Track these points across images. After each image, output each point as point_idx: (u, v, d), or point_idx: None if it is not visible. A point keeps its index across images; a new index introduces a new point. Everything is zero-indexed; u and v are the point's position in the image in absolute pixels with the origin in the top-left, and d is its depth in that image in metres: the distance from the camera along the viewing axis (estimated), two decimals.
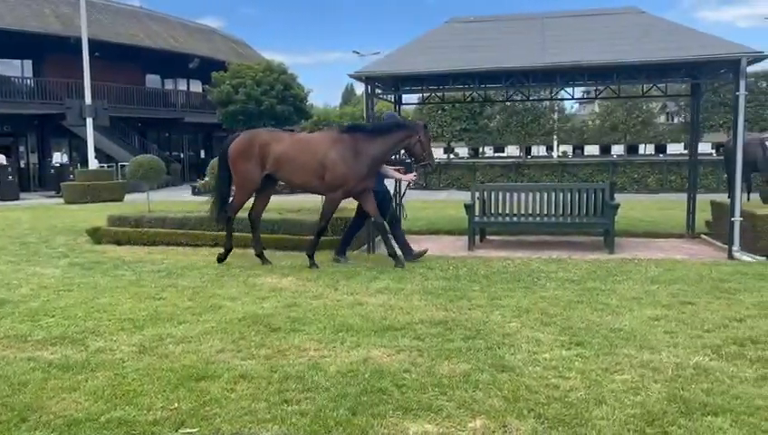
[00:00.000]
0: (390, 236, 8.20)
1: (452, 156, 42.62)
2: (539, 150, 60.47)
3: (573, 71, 8.49)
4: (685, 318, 5.26)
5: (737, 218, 8.27)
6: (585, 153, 56.69)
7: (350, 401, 3.63)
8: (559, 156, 41.86)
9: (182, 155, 36.36)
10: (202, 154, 37.65)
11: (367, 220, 8.53)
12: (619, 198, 11.94)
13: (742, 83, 7.95)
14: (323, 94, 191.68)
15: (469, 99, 12.57)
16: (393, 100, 10.98)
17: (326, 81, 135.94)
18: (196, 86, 37.13)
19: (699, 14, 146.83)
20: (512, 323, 5.19)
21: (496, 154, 58.85)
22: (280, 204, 13.05)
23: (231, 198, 8.36)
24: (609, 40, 8.56)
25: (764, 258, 8.03)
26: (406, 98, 12.44)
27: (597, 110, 29.31)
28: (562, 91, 11.33)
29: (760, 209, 8.66)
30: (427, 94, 11.25)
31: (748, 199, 14.37)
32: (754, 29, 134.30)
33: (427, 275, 7.28)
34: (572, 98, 11.52)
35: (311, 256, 7.90)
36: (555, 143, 40.14)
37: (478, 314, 5.51)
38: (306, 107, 30.91)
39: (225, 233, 8.39)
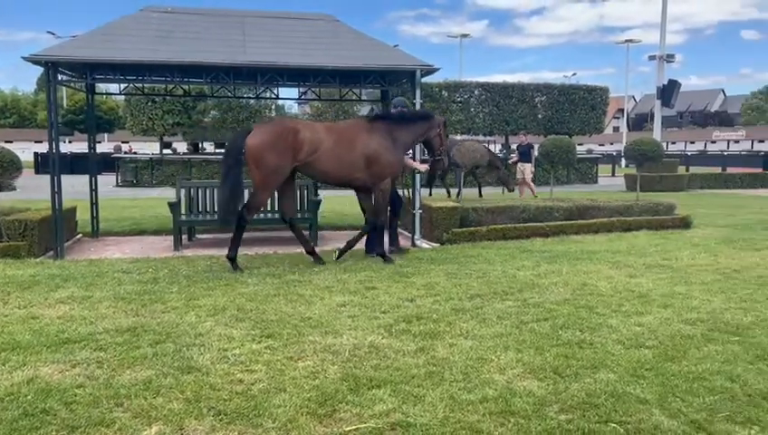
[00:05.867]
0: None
1: (168, 151, 40.62)
2: None
3: (272, 71, 8.72)
4: (367, 302, 5.80)
5: (417, 211, 9.41)
6: None
7: (3, 429, 3.19)
8: None
9: None
10: None
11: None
12: (330, 193, 12.71)
13: (417, 92, 9.07)
14: (13, 79, 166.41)
15: (181, 92, 12.09)
16: (84, 88, 9.98)
17: (17, 64, 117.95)
18: None
19: (401, 28, 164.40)
20: (206, 323, 5.12)
21: (217, 150, 57.81)
22: None
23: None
24: (305, 44, 8.98)
25: (438, 245, 9.28)
26: (112, 88, 11.41)
27: (309, 110, 30.69)
28: (273, 91, 11.57)
29: (435, 203, 9.99)
30: (126, 85, 10.45)
31: (457, 196, 16.40)
32: (443, 45, 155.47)
33: (122, 279, 6.80)
34: (277, 97, 11.86)
35: (382, 255, 7.87)
36: None
37: (172, 316, 5.32)
38: None
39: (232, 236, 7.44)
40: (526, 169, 16.23)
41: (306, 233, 10.05)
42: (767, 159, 38.37)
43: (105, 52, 8.26)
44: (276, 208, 9.65)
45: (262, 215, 9.64)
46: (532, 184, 16.25)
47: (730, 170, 30.41)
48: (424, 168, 8.99)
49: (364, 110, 29.77)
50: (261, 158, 7.17)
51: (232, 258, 7.38)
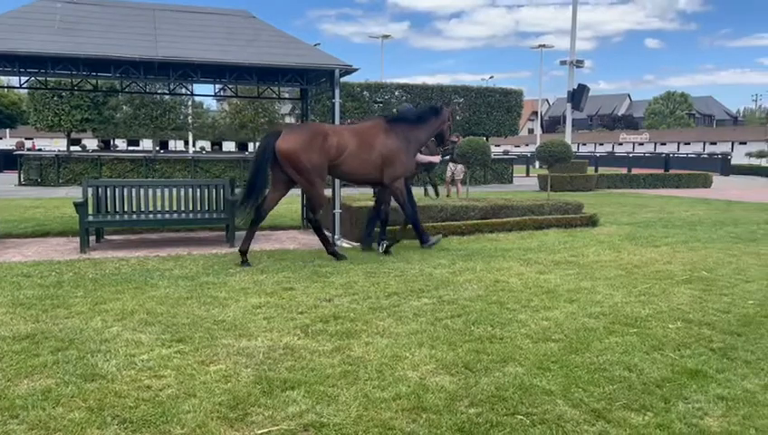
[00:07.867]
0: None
1: (77, 148, 38.66)
2: (177, 145, 59.27)
3: (186, 66, 8.46)
4: (284, 303, 5.74)
5: (337, 211, 9.41)
6: (223, 150, 57.78)
7: None
8: (195, 151, 41.61)
9: None
10: None
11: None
12: None
13: (336, 91, 9.06)
14: None
15: (89, 87, 11.49)
16: None
17: None
18: None
19: (322, 27, 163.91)
20: (113, 328, 4.91)
21: (130, 148, 55.66)
22: None
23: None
24: (220, 39, 8.77)
25: (359, 244, 9.31)
26: (14, 81, 10.68)
27: (227, 107, 30.02)
28: (188, 87, 11.22)
29: (356, 203, 10.01)
30: (27, 78, 9.82)
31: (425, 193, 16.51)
32: (365, 45, 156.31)
33: (22, 283, 6.41)
34: (192, 94, 11.52)
35: (388, 247, 8.37)
36: (191, 138, 39.83)
37: (76, 321, 5.07)
38: None
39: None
40: (457, 169, 16.53)
41: (224, 234, 9.86)
42: (668, 160, 40.94)
43: (3, 42, 7.75)
44: (187, 208, 9.37)
45: (177, 215, 9.37)
46: (460, 185, 16.59)
47: (635, 171, 32.21)
48: (437, 159, 9.50)
49: (285, 108, 29.45)
50: (297, 158, 7.42)
51: (336, 252, 8.03)
